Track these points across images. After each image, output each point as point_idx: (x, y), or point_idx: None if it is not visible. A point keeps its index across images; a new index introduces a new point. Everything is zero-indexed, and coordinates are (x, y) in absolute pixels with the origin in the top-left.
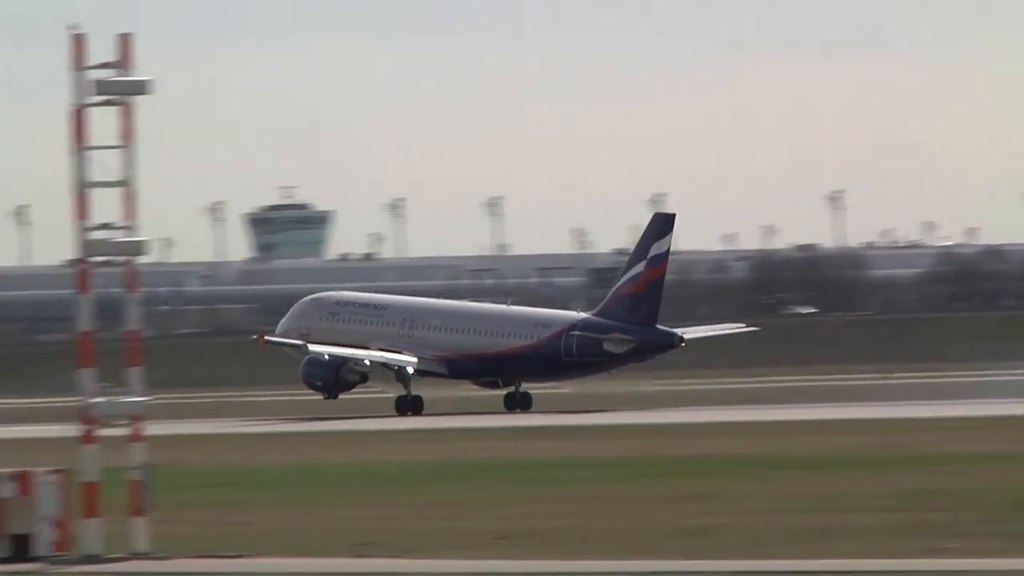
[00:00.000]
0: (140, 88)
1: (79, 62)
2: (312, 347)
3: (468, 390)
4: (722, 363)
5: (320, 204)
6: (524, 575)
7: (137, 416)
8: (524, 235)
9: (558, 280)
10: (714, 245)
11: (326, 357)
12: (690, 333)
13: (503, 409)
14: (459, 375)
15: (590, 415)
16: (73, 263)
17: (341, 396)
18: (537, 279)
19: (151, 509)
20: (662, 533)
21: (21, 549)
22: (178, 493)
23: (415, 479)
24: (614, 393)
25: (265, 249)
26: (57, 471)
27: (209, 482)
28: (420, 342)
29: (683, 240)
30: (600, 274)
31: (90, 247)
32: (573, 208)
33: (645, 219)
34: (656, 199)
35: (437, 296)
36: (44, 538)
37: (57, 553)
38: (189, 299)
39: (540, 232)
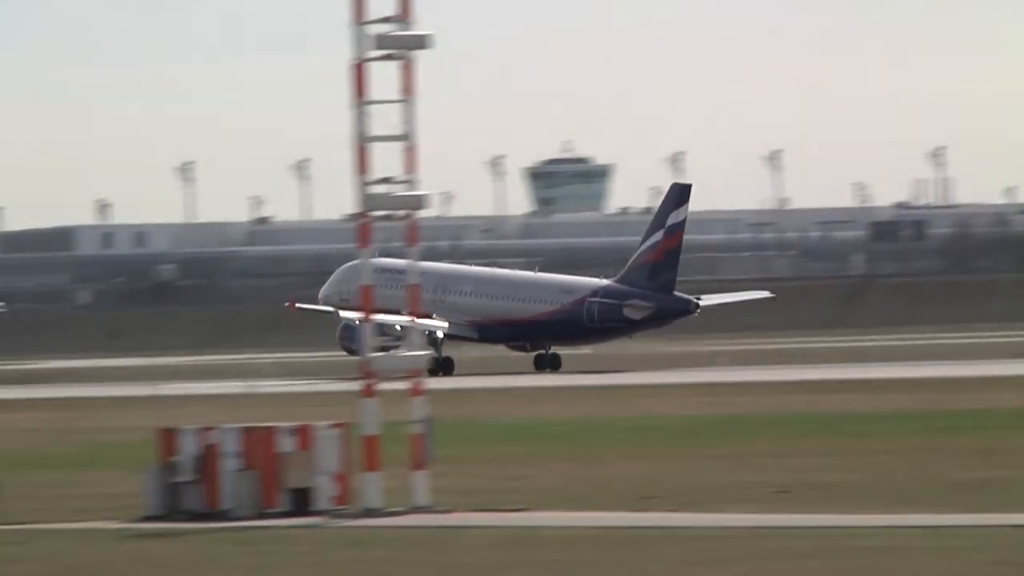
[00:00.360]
0: (420, 42)
1: (359, 17)
2: (343, 313)
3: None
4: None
5: (600, 158)
6: (807, 529)
7: (416, 370)
8: (804, 188)
9: (838, 234)
10: (995, 199)
11: (356, 322)
12: (707, 300)
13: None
14: (488, 339)
15: (866, 367)
16: (354, 217)
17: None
18: (817, 233)
19: (431, 463)
20: (944, 486)
21: (301, 503)
22: (458, 447)
23: (692, 433)
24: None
25: (545, 203)
26: (338, 425)
27: (487, 436)
28: (452, 307)
29: (962, 193)
30: (880, 228)
31: (370, 201)
32: (853, 162)
33: (927, 173)
34: (937, 152)
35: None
36: (324, 492)
37: (337, 507)
38: (468, 253)
39: (820, 185)
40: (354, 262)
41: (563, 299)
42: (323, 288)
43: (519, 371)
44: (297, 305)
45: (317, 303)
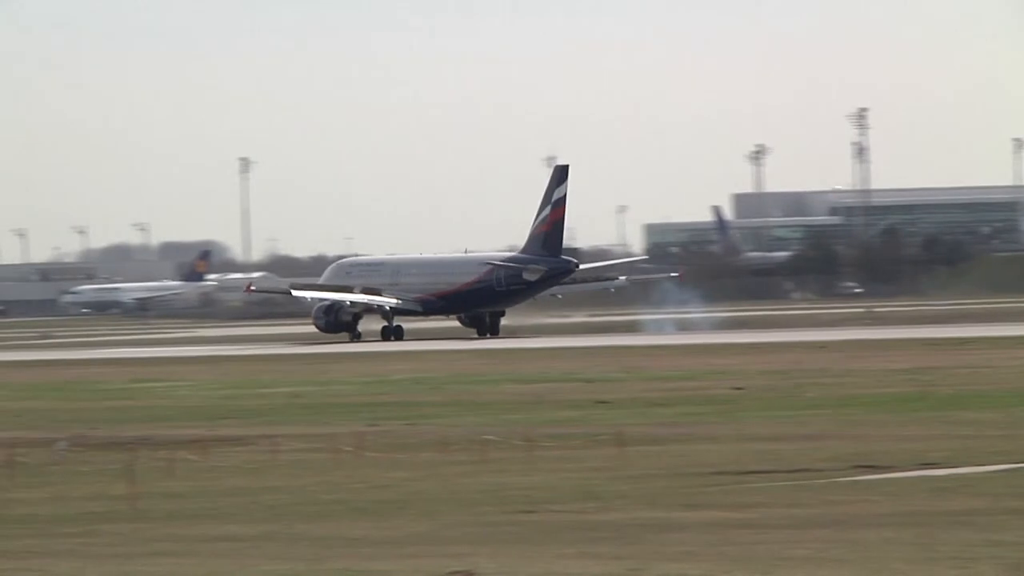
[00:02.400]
0: None
1: None
2: (295, 292)
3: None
4: None
5: None
6: None
7: None
8: None
9: None
10: None
11: (308, 299)
12: (585, 266)
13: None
14: (429, 311)
15: None
16: None
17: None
18: None
19: None
20: None
21: None
22: None
23: None
24: None
25: None
26: None
27: None
28: (403, 287)
29: None
30: None
31: None
32: None
33: None
34: None
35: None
36: None
37: None
38: None
39: None
40: (337, 262)
41: (479, 271)
42: (320, 280)
43: (461, 336)
44: (251, 288)
45: None
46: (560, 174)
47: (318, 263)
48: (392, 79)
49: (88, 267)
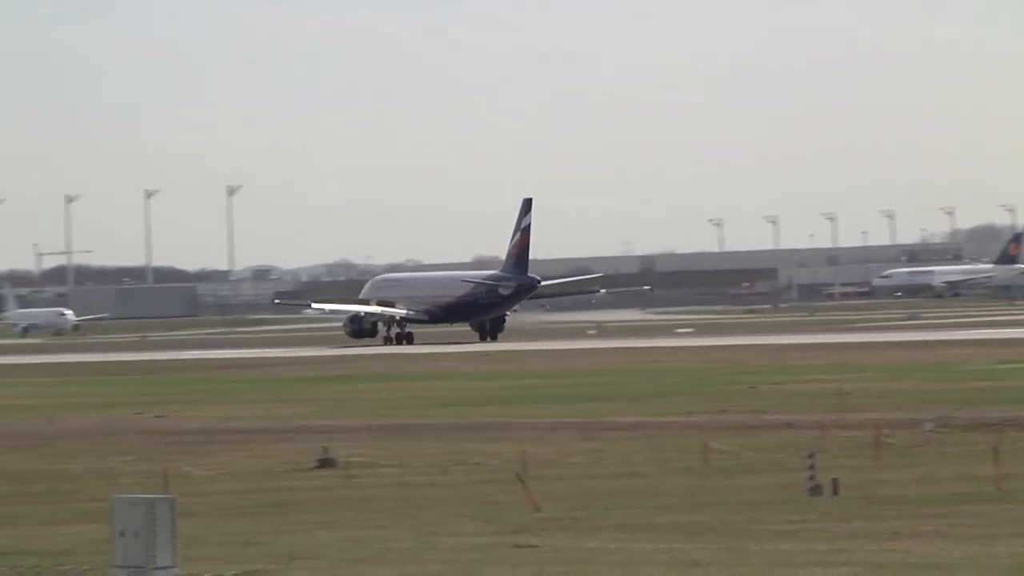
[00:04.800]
0: None
1: None
2: (315, 305)
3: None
4: None
5: None
6: None
7: None
8: None
9: None
10: None
11: (325, 310)
12: (547, 282)
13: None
14: (434, 320)
15: None
16: None
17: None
18: None
19: None
20: None
21: None
22: None
23: None
24: None
25: None
26: None
27: None
28: (415, 300)
29: None
30: None
31: None
32: None
33: None
34: None
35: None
36: None
37: None
38: None
39: None
40: (374, 278)
41: (468, 287)
42: (361, 293)
43: (463, 340)
44: (276, 301)
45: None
46: (527, 205)
47: None
48: None
49: (954, 247)
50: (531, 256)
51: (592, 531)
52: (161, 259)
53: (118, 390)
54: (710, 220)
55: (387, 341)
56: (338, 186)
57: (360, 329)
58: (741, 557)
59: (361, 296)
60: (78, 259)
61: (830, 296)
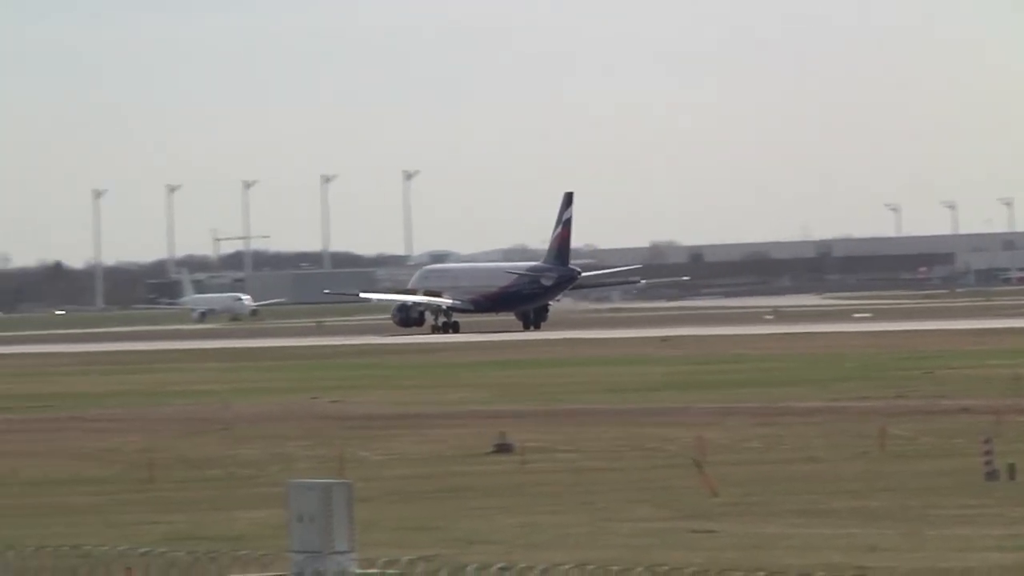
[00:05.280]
0: None
1: None
2: (363, 295)
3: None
4: None
5: None
6: None
7: None
8: None
9: None
10: None
11: (374, 299)
12: (587, 272)
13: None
14: (479, 309)
15: None
16: None
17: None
18: None
19: None
20: None
21: None
22: None
23: None
24: None
25: None
26: None
27: None
28: (461, 290)
29: None
30: None
31: None
32: None
33: None
34: None
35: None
36: None
37: None
38: None
39: None
40: (421, 268)
41: (512, 278)
42: (409, 283)
43: (507, 329)
44: (326, 291)
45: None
46: (567, 200)
47: None
48: None
49: None
50: (709, 240)
51: (769, 516)
52: (338, 244)
53: (294, 375)
54: (887, 205)
55: (435, 330)
56: (514, 170)
57: (408, 318)
58: (918, 542)
59: (409, 286)
60: (255, 244)
61: (1007, 281)
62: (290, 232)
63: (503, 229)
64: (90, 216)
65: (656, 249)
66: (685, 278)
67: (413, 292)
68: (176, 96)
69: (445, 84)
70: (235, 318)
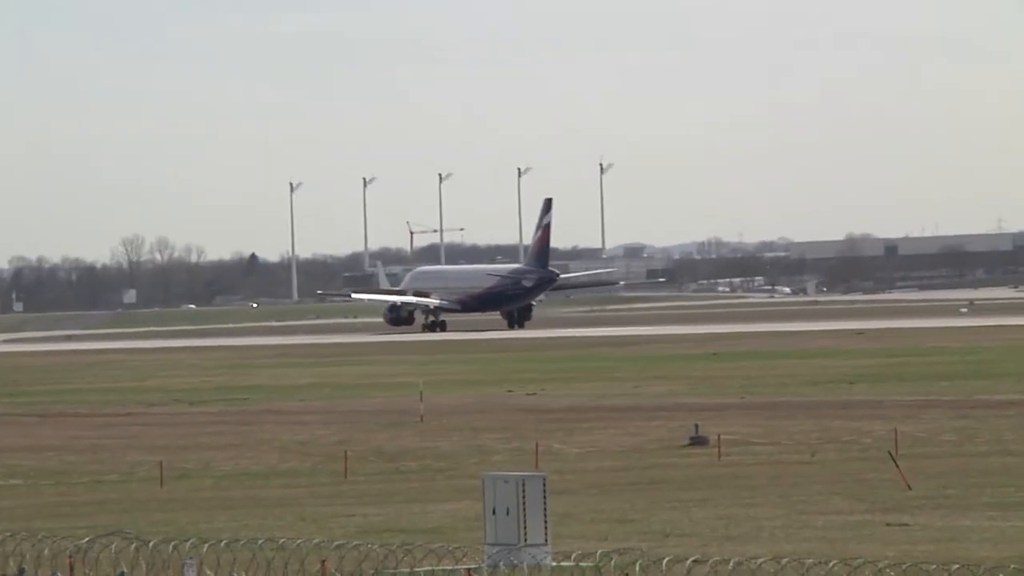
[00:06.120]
0: None
1: None
2: (355, 294)
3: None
4: None
5: None
6: None
7: None
8: None
9: None
10: None
11: (365, 299)
12: (565, 275)
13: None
14: (466, 309)
15: None
16: None
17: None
18: None
19: None
20: None
21: None
22: None
23: None
24: None
25: None
26: None
27: None
28: (449, 290)
29: None
30: None
31: None
32: None
33: None
34: None
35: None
36: None
37: None
38: None
39: None
40: (414, 270)
41: (495, 279)
42: (402, 284)
43: (493, 328)
44: (319, 292)
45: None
46: (547, 205)
47: None
48: None
49: None
50: (904, 233)
51: (964, 509)
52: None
53: (490, 368)
54: None
55: (425, 328)
56: (705, 164)
57: (398, 317)
58: None
59: (402, 287)
60: (450, 237)
61: None
62: (485, 225)
63: (697, 222)
64: (286, 209)
65: (851, 242)
66: (661, 279)
67: (404, 293)
68: (372, 90)
69: (638, 74)
70: None
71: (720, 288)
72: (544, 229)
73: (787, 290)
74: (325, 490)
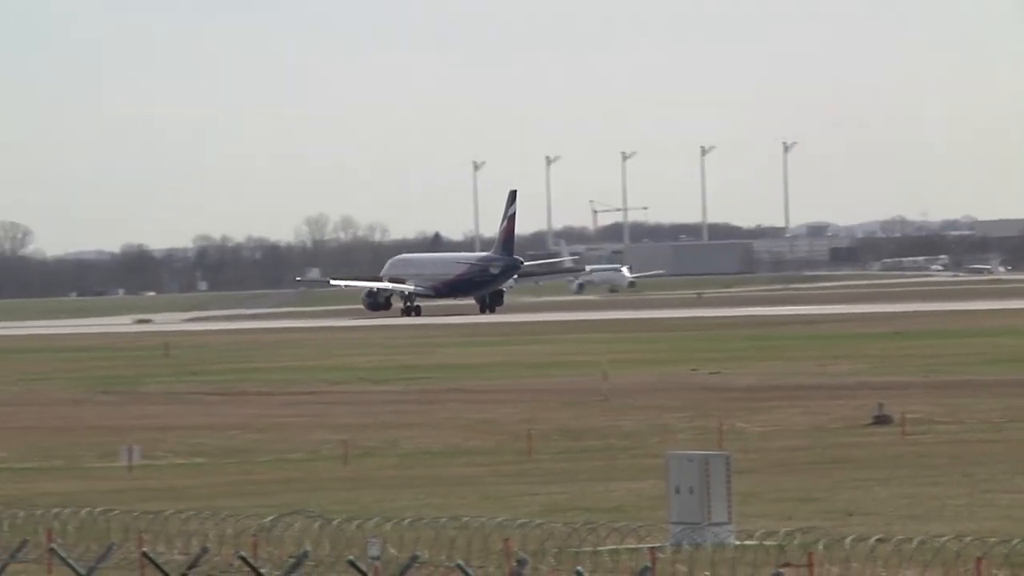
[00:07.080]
0: None
1: None
2: (333, 281)
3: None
4: None
5: None
6: None
7: None
8: None
9: None
10: None
11: (343, 286)
12: (529, 263)
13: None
14: (438, 294)
15: None
16: None
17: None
18: None
19: None
20: None
21: None
22: None
23: None
24: None
25: None
26: None
27: None
28: (424, 277)
29: None
30: None
31: None
32: None
33: None
34: None
35: None
36: None
37: None
38: None
39: None
40: (394, 257)
41: (463, 267)
42: (382, 272)
43: (465, 312)
44: (297, 279)
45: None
46: (512, 196)
47: None
48: None
49: None
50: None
51: None
52: (717, 216)
53: (673, 346)
54: None
55: (403, 313)
56: (894, 142)
57: (376, 303)
58: None
59: (381, 274)
60: (633, 216)
61: None
62: (668, 204)
63: (881, 200)
64: (469, 188)
65: None
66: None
67: (380, 280)
68: (547, 72)
69: (829, 53)
70: (613, 289)
71: (934, 267)
72: (509, 219)
73: (1002, 269)
74: (509, 468)
